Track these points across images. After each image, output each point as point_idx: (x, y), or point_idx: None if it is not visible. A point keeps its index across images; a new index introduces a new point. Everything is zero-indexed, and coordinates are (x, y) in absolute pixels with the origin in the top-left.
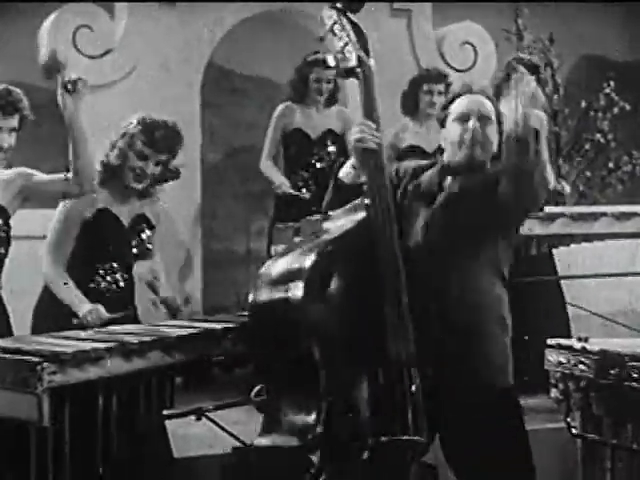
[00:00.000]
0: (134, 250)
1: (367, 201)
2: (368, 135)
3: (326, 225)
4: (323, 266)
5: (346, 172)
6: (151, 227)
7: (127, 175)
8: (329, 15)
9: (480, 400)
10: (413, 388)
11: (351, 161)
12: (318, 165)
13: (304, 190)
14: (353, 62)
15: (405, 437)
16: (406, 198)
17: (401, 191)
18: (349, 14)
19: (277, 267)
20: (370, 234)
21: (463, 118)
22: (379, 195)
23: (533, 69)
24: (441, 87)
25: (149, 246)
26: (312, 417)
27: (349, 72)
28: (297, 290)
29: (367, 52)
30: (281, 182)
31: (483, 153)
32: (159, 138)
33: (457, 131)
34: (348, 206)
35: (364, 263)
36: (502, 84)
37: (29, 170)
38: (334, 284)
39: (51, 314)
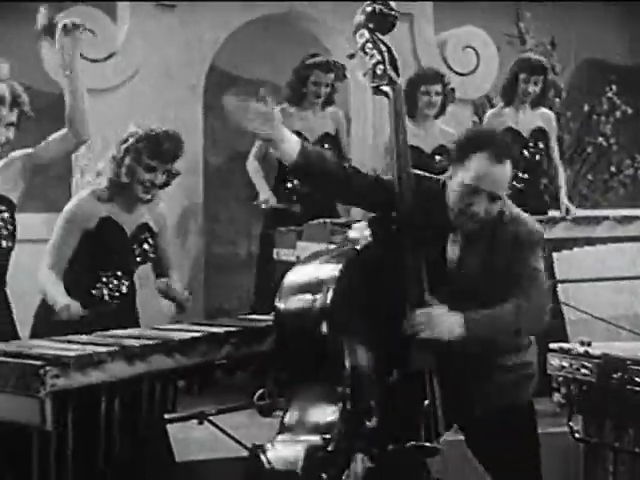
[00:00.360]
0: (137, 258)
1: (393, 213)
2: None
3: (352, 234)
4: (351, 275)
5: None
6: (153, 235)
7: (136, 188)
8: (361, 33)
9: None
10: (427, 394)
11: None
12: None
13: (295, 197)
14: (384, 81)
15: (423, 444)
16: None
17: None
18: (379, 34)
19: (304, 275)
20: (395, 245)
21: (467, 191)
22: (404, 206)
23: (541, 70)
24: (438, 87)
25: (152, 255)
26: (333, 416)
27: (378, 90)
28: (326, 298)
29: (397, 72)
30: (267, 197)
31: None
32: (166, 149)
33: (457, 201)
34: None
35: (389, 273)
36: (508, 89)
37: (21, 150)
38: (361, 293)
39: (52, 319)
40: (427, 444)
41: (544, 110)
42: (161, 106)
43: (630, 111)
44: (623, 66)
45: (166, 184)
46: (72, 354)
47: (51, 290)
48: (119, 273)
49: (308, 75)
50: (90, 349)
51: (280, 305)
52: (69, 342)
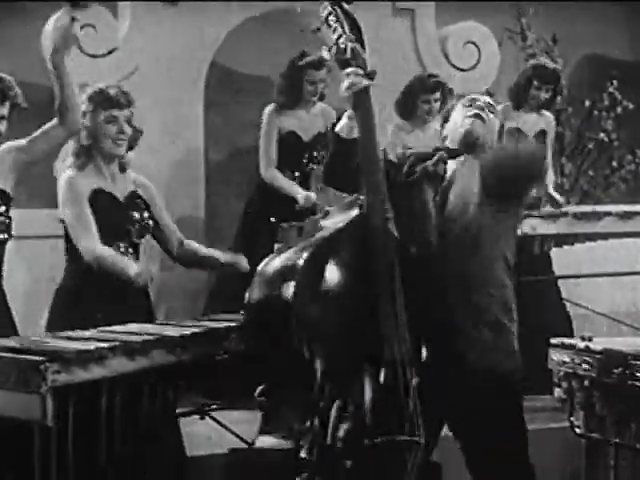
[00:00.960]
0: (136, 225)
1: (361, 197)
2: (356, 79)
3: (323, 223)
4: (316, 264)
5: (342, 125)
6: (146, 204)
7: (106, 144)
8: (324, 6)
9: (484, 384)
10: (412, 385)
11: (346, 113)
12: (308, 167)
13: None
14: (347, 54)
15: (401, 437)
16: (413, 176)
17: (406, 170)
18: (345, 6)
19: (273, 266)
20: (364, 231)
21: (466, 104)
22: (374, 189)
23: (555, 79)
24: (438, 94)
25: (150, 222)
26: (307, 417)
27: (344, 64)
28: (290, 288)
29: (362, 44)
30: (307, 196)
31: (483, 133)
32: (116, 97)
33: (460, 115)
34: (343, 203)
35: (359, 260)
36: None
37: (13, 142)
38: (329, 282)
39: (66, 313)
40: (404, 438)
41: (545, 112)
42: (162, 102)
43: (631, 106)
44: (624, 61)
45: (133, 140)
46: (73, 349)
47: (116, 260)
48: (122, 244)
49: (302, 76)
50: (91, 345)
51: (249, 297)
52: (70, 338)
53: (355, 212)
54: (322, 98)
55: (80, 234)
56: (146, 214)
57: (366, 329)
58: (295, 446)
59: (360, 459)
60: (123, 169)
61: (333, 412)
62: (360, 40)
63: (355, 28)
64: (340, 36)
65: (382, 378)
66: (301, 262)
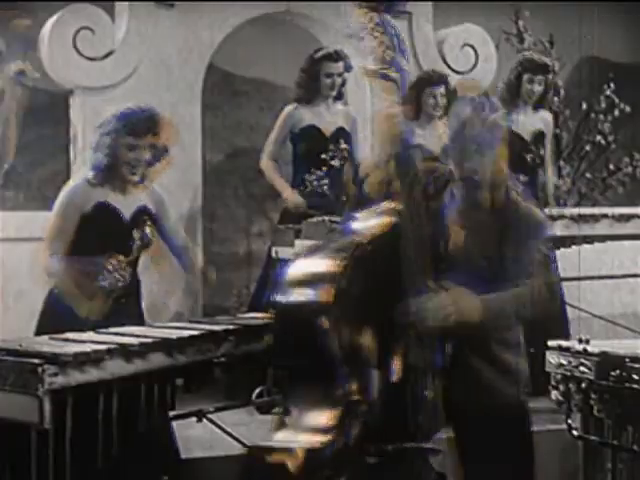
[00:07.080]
0: (138, 242)
1: (399, 206)
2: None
3: (355, 226)
4: (351, 269)
5: None
6: (152, 218)
7: (122, 169)
8: (359, 14)
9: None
10: (427, 393)
11: None
12: (332, 163)
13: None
14: (385, 64)
15: (419, 445)
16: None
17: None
18: (381, 14)
19: (304, 268)
20: (398, 240)
21: (462, 156)
22: (411, 200)
23: (545, 70)
24: (442, 89)
25: (152, 239)
26: (330, 417)
27: (384, 75)
28: (324, 293)
29: (401, 53)
30: (298, 201)
31: (481, 137)
32: (141, 124)
33: (455, 168)
34: (376, 208)
35: (391, 268)
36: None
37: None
38: (360, 288)
39: (57, 317)
40: (428, 446)
41: (543, 112)
42: (159, 104)
43: (628, 109)
44: (621, 64)
45: (155, 160)
46: (70, 352)
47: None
48: (121, 258)
49: (319, 69)
50: (88, 347)
51: (280, 300)
52: (67, 340)
53: (391, 220)
54: (341, 97)
55: (46, 250)
56: (150, 230)
57: (393, 334)
58: (321, 441)
59: (383, 462)
60: (141, 181)
61: (354, 413)
62: (399, 49)
63: (395, 36)
64: (377, 45)
65: (403, 383)
66: (336, 267)
